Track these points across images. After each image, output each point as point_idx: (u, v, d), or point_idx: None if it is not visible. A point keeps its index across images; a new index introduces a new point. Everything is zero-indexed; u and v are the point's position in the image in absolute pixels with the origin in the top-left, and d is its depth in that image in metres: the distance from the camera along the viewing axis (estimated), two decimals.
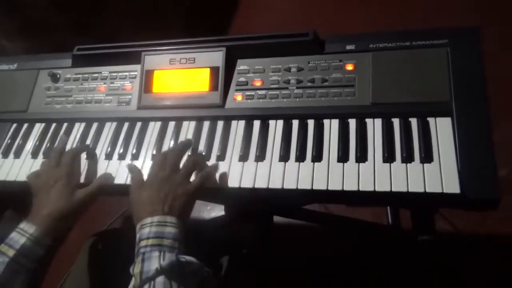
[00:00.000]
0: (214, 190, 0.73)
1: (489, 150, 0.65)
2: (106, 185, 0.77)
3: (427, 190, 0.63)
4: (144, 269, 0.57)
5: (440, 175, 0.64)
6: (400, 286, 1.16)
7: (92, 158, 0.82)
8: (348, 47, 0.78)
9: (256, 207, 1.12)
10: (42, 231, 0.67)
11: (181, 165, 0.71)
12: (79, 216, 0.74)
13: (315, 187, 0.68)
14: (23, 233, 0.66)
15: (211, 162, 0.76)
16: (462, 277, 1.15)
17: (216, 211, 1.50)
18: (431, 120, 0.70)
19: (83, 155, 0.82)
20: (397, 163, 0.67)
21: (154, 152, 0.80)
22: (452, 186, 0.63)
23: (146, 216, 0.64)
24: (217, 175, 0.74)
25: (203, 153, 0.77)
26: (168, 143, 0.80)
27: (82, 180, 0.79)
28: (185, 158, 0.73)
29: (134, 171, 0.74)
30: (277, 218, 1.26)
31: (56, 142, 0.85)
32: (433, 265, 1.15)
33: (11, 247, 0.65)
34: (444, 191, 0.63)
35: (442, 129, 0.68)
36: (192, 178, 0.71)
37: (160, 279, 0.56)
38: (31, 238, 0.66)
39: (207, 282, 0.60)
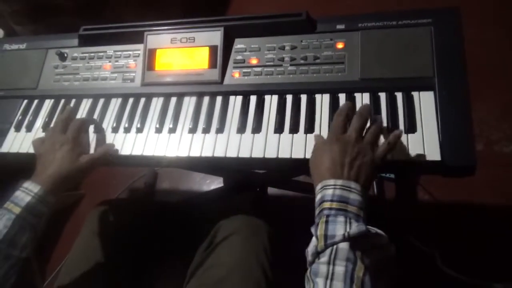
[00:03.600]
0: (399, 164, 0.65)
1: (468, 122, 0.65)
2: (110, 153, 0.77)
3: (411, 158, 0.64)
4: (329, 232, 0.51)
5: (423, 144, 0.64)
6: None
7: (100, 132, 0.82)
8: (339, 27, 0.77)
9: (251, 179, 1.13)
10: (46, 190, 0.67)
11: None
12: (81, 180, 0.74)
13: (308, 156, 0.68)
14: (28, 192, 0.66)
15: (210, 134, 0.76)
16: (441, 241, 1.17)
17: (215, 183, 1.50)
18: (415, 94, 0.70)
19: (91, 129, 0.81)
20: (384, 134, 0.67)
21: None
22: (433, 154, 0.63)
23: (329, 177, 0.56)
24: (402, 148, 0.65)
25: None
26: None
27: (91, 151, 0.79)
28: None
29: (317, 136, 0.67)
30: (271, 190, 1.28)
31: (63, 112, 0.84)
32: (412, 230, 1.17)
33: (16, 205, 0.65)
34: (427, 158, 0.63)
35: (425, 103, 0.68)
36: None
37: (344, 246, 0.49)
38: (35, 197, 0.66)
39: (389, 260, 0.52)
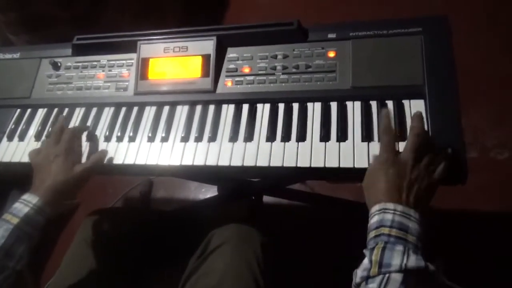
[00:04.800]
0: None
1: (458, 130, 0.65)
2: (102, 161, 0.77)
3: None
4: (385, 260, 0.49)
5: None
6: None
7: (92, 140, 0.81)
8: (330, 36, 0.77)
9: (246, 188, 1.12)
10: (44, 201, 0.67)
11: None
12: (78, 190, 0.74)
13: (299, 165, 0.68)
14: (26, 203, 0.66)
15: (203, 143, 0.76)
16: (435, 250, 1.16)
17: (210, 192, 1.50)
18: (405, 102, 0.70)
19: (84, 138, 0.81)
20: (375, 142, 0.68)
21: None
22: None
23: (387, 200, 0.54)
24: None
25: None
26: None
27: (83, 161, 0.79)
28: None
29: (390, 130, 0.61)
30: (266, 198, 1.27)
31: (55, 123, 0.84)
32: None
33: (15, 216, 0.65)
34: None
35: (416, 110, 0.68)
36: None
37: (397, 277, 0.48)
38: (34, 208, 0.66)
39: None
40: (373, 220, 0.54)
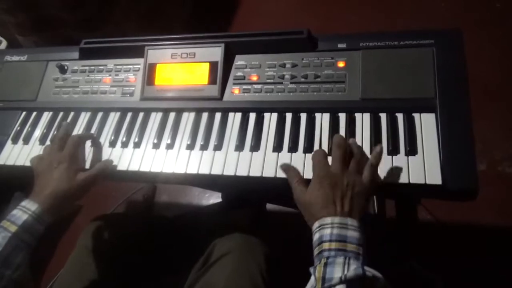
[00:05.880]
0: (383, 185, 0.64)
1: (469, 145, 0.64)
2: (107, 170, 0.76)
3: (411, 181, 0.63)
4: (327, 275, 0.51)
5: (423, 167, 0.63)
6: (384, 271, 1.16)
7: (97, 146, 0.81)
8: (340, 45, 0.76)
9: (250, 195, 1.11)
10: (43, 209, 0.66)
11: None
12: (79, 198, 0.72)
13: (306, 177, 0.67)
14: (25, 210, 0.65)
15: (208, 151, 0.75)
16: (442, 264, 1.15)
17: (214, 198, 1.49)
18: (416, 115, 0.69)
19: (88, 143, 0.81)
20: (384, 155, 0.66)
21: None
22: (434, 177, 0.62)
23: (324, 215, 0.56)
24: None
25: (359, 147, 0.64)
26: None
27: (87, 166, 0.78)
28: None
29: (291, 169, 0.65)
30: (270, 206, 1.26)
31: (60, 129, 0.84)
32: (414, 253, 1.15)
33: (13, 223, 0.64)
34: (427, 182, 0.62)
35: (426, 124, 0.68)
36: None
37: None
38: (32, 215, 0.65)
39: None
40: (315, 238, 0.56)
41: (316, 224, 0.57)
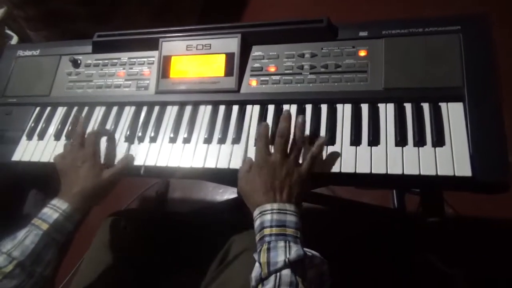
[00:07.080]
0: (323, 174, 0.66)
1: (500, 135, 0.62)
2: (130, 165, 0.76)
3: (439, 173, 0.61)
4: (271, 260, 0.54)
5: (452, 158, 0.61)
6: (403, 267, 1.14)
7: (112, 141, 0.80)
8: (361, 34, 0.74)
9: None
10: (73, 208, 0.68)
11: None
12: (107, 195, 0.73)
13: (329, 170, 0.66)
14: (56, 209, 0.67)
15: (226, 145, 0.74)
16: (463, 259, 1.12)
17: (228, 193, 1.48)
18: (443, 105, 0.67)
19: (103, 138, 0.80)
20: (409, 147, 0.65)
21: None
22: (463, 169, 0.60)
23: (264, 202, 0.60)
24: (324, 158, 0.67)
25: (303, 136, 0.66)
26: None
27: (102, 161, 0.77)
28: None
29: (246, 158, 0.69)
30: None
31: (74, 123, 0.83)
32: (435, 247, 1.13)
33: (44, 221, 0.65)
34: (456, 174, 0.60)
35: (454, 114, 0.65)
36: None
37: (286, 272, 0.53)
38: (63, 214, 0.66)
39: (323, 274, 0.57)
40: (256, 224, 0.60)
41: (256, 211, 0.60)
